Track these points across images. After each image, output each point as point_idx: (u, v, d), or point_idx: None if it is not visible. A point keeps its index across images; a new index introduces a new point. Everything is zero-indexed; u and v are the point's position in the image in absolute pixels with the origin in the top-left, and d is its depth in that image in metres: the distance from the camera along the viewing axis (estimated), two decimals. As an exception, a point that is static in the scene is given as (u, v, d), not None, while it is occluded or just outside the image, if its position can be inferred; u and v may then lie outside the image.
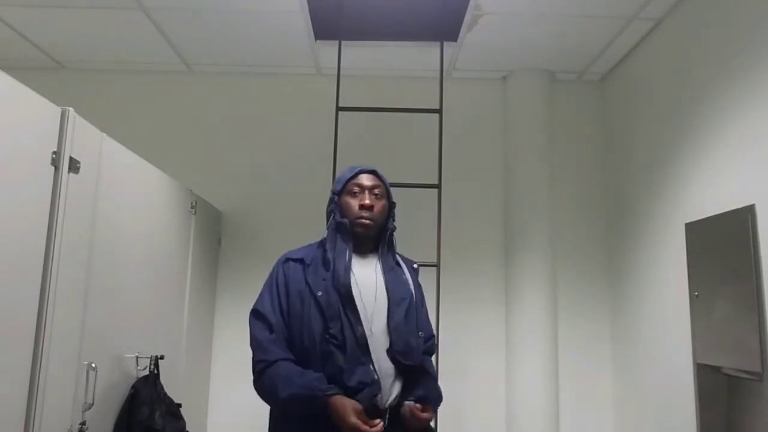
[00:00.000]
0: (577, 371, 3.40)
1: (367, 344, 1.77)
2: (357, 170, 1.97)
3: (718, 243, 2.31)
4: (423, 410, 1.78)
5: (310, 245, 2.00)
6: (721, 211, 2.29)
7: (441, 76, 3.30)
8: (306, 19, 3.02)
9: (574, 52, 3.30)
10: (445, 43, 3.25)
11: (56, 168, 1.79)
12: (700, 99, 2.52)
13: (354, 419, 1.66)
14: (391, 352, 1.79)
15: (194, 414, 3.01)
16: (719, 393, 2.33)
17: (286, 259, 1.93)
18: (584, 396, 3.38)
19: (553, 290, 3.36)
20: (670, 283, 2.69)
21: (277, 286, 1.88)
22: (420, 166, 3.35)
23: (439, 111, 3.23)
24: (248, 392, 3.47)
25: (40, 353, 1.70)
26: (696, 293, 2.44)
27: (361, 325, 1.78)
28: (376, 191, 1.94)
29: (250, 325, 1.89)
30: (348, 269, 1.84)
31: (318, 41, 3.28)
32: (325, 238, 1.95)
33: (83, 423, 1.89)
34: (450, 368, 3.20)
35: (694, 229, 2.49)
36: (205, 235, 3.24)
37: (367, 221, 1.90)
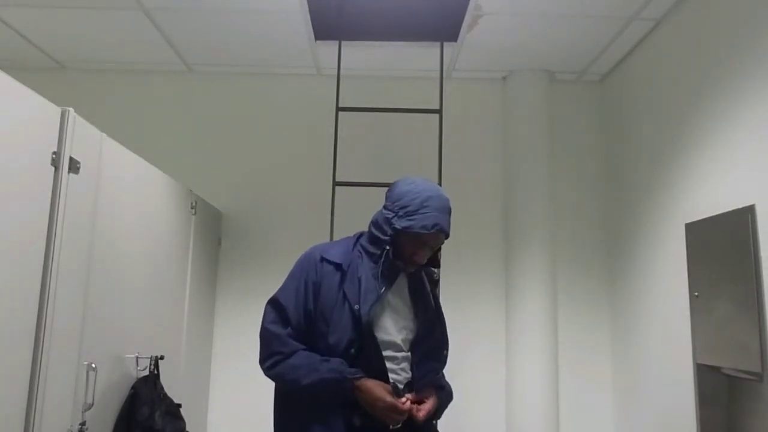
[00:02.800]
0: (577, 371, 3.40)
1: (386, 369, 1.77)
2: (436, 227, 1.77)
3: (718, 243, 2.31)
4: (421, 405, 1.76)
5: (344, 244, 1.91)
6: (721, 211, 2.29)
7: (441, 76, 3.30)
8: (306, 19, 3.02)
9: (574, 52, 3.30)
10: (445, 43, 3.25)
11: (56, 168, 1.79)
12: (699, 99, 2.52)
13: (390, 398, 1.68)
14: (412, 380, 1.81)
15: (194, 414, 3.01)
16: (719, 393, 2.33)
17: (322, 259, 1.84)
18: (584, 395, 3.38)
19: (553, 290, 3.36)
20: (670, 283, 2.69)
21: (305, 284, 1.82)
22: (420, 166, 3.35)
23: (439, 111, 3.24)
24: (248, 392, 3.49)
25: (40, 353, 1.70)
26: (696, 293, 2.44)
27: (381, 356, 1.77)
28: (437, 247, 1.87)
29: (266, 314, 1.83)
30: (374, 307, 1.78)
31: (318, 41, 3.28)
32: (361, 241, 1.88)
33: (83, 423, 1.89)
34: (450, 366, 3.18)
35: (694, 229, 2.49)
36: (205, 235, 3.24)
37: (412, 269, 1.87)
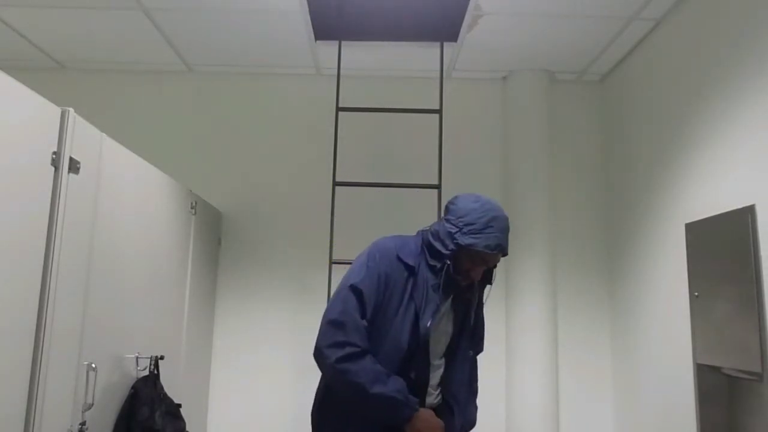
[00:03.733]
0: (577, 371, 3.40)
1: (429, 378, 1.88)
2: (499, 248, 1.81)
3: (718, 243, 2.31)
4: None
5: (413, 245, 1.92)
6: (721, 211, 2.29)
7: (441, 76, 3.30)
8: (306, 19, 3.02)
9: (574, 52, 3.30)
10: (445, 43, 3.25)
11: (56, 168, 1.79)
12: (700, 99, 2.52)
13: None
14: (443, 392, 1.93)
15: (194, 414, 3.01)
16: (719, 393, 2.33)
17: (398, 257, 1.86)
18: (584, 395, 3.38)
19: (553, 290, 3.36)
20: (670, 283, 2.69)
21: (379, 276, 1.82)
22: (420, 166, 3.36)
23: (439, 111, 3.24)
24: (248, 392, 3.48)
25: (40, 353, 1.70)
26: (696, 293, 2.44)
27: (429, 364, 1.88)
28: (493, 265, 1.91)
29: (344, 297, 1.80)
30: (434, 318, 1.85)
31: (318, 41, 3.28)
32: (426, 250, 1.89)
33: (83, 423, 1.89)
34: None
35: (694, 229, 2.49)
36: (205, 235, 3.24)
37: (466, 284, 1.90)
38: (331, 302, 1.84)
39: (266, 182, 3.63)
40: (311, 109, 3.64)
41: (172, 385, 2.49)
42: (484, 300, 2.03)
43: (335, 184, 3.19)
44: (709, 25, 2.49)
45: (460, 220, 1.81)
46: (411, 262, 1.85)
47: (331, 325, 1.78)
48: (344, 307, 1.78)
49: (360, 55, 3.42)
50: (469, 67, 3.54)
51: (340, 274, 3.21)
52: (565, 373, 3.35)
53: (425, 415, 1.79)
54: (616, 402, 3.33)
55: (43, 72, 3.64)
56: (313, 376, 3.60)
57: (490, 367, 3.52)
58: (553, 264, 3.38)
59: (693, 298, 2.46)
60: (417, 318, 1.82)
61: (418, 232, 1.98)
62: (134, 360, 2.29)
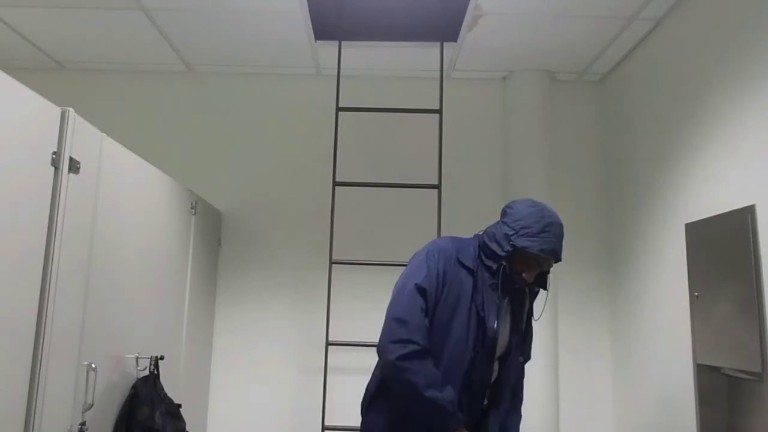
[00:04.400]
0: (577, 371, 3.40)
1: (491, 378, 1.96)
2: (554, 253, 1.89)
3: (718, 243, 2.31)
4: None
5: (470, 247, 1.96)
6: (721, 211, 2.29)
7: (441, 76, 3.30)
8: (306, 19, 3.02)
9: (574, 52, 3.30)
10: (445, 43, 3.25)
11: (56, 168, 1.79)
12: (699, 99, 2.52)
13: None
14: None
15: (194, 414, 3.01)
16: (719, 393, 2.33)
17: (458, 260, 1.90)
18: (584, 396, 3.38)
19: (553, 290, 3.36)
20: (670, 283, 2.69)
21: (437, 275, 1.86)
22: (420, 166, 3.36)
23: (439, 111, 3.24)
24: (248, 392, 3.48)
25: (40, 353, 1.70)
26: (696, 293, 2.44)
27: (493, 366, 1.95)
28: (546, 268, 1.96)
29: (409, 295, 1.84)
30: (497, 324, 1.90)
31: (318, 41, 3.28)
32: (482, 251, 1.93)
33: (83, 423, 1.89)
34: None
35: (694, 229, 2.49)
36: (205, 235, 3.24)
37: (519, 286, 1.94)
38: (395, 299, 1.88)
39: (266, 182, 3.63)
40: (311, 109, 3.64)
41: (172, 385, 2.49)
42: (541, 309, 2.10)
43: (335, 184, 3.19)
44: (709, 25, 2.49)
45: (516, 223, 1.87)
46: (470, 265, 1.90)
47: (396, 322, 1.82)
48: (409, 305, 1.83)
49: (360, 55, 3.42)
50: (469, 67, 3.54)
51: (340, 274, 3.24)
52: (565, 373, 3.35)
53: None
54: (616, 402, 3.33)
55: (43, 72, 3.64)
56: (313, 376, 3.61)
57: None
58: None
59: (693, 298, 2.46)
60: (479, 319, 1.86)
61: (474, 236, 2.02)
62: (134, 360, 2.29)
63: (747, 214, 2.11)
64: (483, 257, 1.91)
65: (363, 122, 3.42)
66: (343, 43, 3.25)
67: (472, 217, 3.56)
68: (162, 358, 2.37)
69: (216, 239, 3.49)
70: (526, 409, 3.25)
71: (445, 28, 3.12)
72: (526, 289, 2.01)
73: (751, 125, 2.17)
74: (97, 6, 2.92)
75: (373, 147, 3.57)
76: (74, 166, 1.85)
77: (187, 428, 2.47)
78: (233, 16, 3.00)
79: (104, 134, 2.06)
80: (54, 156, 1.77)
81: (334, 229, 3.13)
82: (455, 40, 3.21)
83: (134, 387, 2.23)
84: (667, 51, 2.86)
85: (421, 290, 1.84)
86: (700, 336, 2.41)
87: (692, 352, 2.45)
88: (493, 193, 3.60)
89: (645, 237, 3.00)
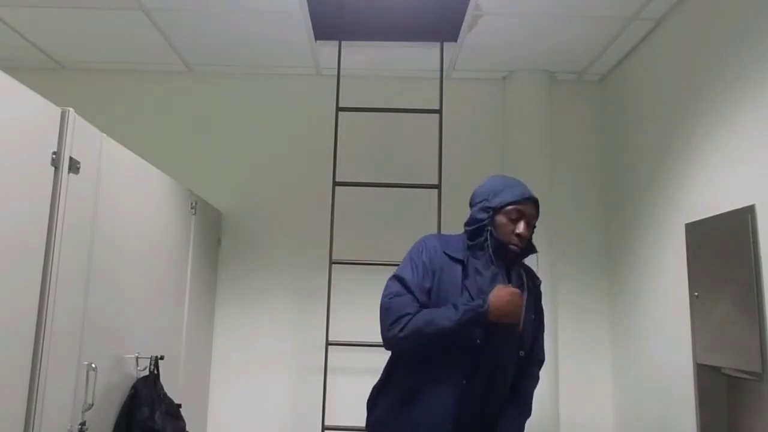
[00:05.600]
0: (577, 371, 3.40)
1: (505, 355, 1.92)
2: (523, 196, 1.93)
3: (718, 243, 2.30)
4: None
5: (459, 240, 1.99)
6: (721, 211, 2.28)
7: (441, 76, 3.30)
8: (306, 19, 3.02)
9: (574, 52, 3.30)
10: (445, 43, 3.25)
11: (56, 168, 1.79)
12: (699, 99, 2.52)
13: (518, 295, 1.83)
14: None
15: (194, 414, 3.01)
16: (719, 393, 2.33)
17: (444, 252, 1.93)
18: (584, 396, 3.38)
19: (553, 290, 3.35)
20: (670, 283, 2.69)
21: (423, 264, 1.90)
22: (420, 166, 3.36)
23: (439, 111, 3.24)
24: (248, 392, 3.48)
25: (40, 353, 1.70)
26: (696, 293, 2.44)
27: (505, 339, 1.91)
28: (532, 222, 1.95)
29: (387, 287, 1.90)
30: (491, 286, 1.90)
31: (318, 41, 3.28)
32: (468, 241, 1.96)
33: (83, 423, 1.89)
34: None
35: (694, 229, 2.49)
36: (205, 235, 3.24)
37: (518, 249, 1.92)
38: (382, 296, 1.93)
39: (266, 182, 3.62)
40: (311, 109, 3.64)
41: (172, 385, 2.49)
42: (540, 299, 2.07)
43: (335, 184, 3.19)
44: (709, 25, 2.49)
45: (483, 194, 1.96)
46: (459, 256, 1.92)
47: (381, 312, 1.88)
48: (386, 292, 1.89)
49: (360, 55, 3.42)
50: (469, 67, 3.54)
51: (340, 274, 3.24)
52: (565, 373, 3.35)
53: (497, 294, 1.81)
54: (616, 401, 3.33)
55: (43, 72, 3.64)
56: (313, 376, 3.60)
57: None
58: (552, 264, 3.38)
59: (693, 298, 2.46)
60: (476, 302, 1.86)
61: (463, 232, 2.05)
62: (134, 360, 2.29)
63: (747, 214, 2.11)
64: (470, 244, 1.94)
65: (363, 122, 3.42)
66: (343, 43, 3.25)
67: (472, 217, 3.57)
68: (162, 358, 2.36)
69: (216, 239, 3.49)
70: (526, 409, 3.27)
71: (445, 28, 3.12)
72: (528, 282, 1.99)
73: (751, 125, 2.17)
74: (97, 6, 2.92)
75: (373, 147, 3.56)
76: (74, 166, 1.85)
77: (187, 428, 2.47)
78: (233, 16, 3.00)
79: (104, 134, 2.06)
80: (54, 156, 1.77)
81: (334, 229, 3.13)
82: (455, 40, 3.21)
83: (134, 387, 2.23)
84: (667, 51, 2.86)
85: (399, 278, 1.90)
86: (700, 336, 2.41)
87: (692, 352, 2.45)
88: (493, 193, 3.59)
89: (645, 237, 3.00)
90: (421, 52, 3.37)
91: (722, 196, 2.32)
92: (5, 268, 1.58)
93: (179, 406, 2.44)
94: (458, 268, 1.90)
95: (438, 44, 3.26)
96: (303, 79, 3.72)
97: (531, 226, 1.94)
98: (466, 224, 2.00)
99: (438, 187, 3.15)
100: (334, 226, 3.13)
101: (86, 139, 1.93)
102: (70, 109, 1.83)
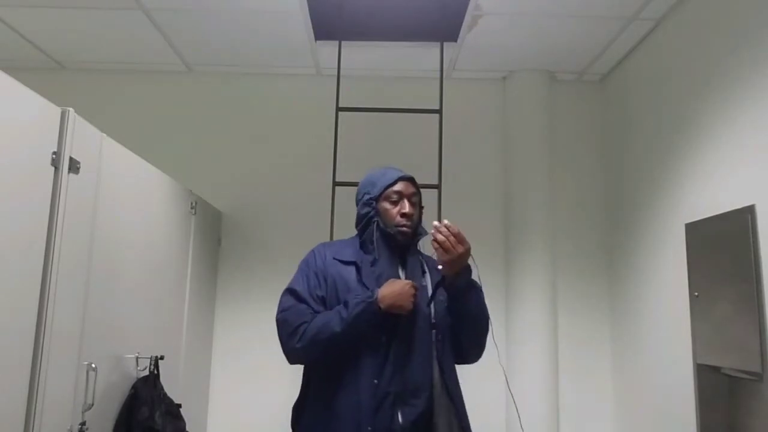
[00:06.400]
0: (578, 371, 3.40)
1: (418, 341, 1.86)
2: (397, 177, 1.96)
3: (718, 243, 2.30)
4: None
5: (351, 244, 2.00)
6: (721, 211, 2.28)
7: (441, 76, 3.30)
8: (306, 19, 3.02)
9: (574, 52, 3.30)
10: (445, 43, 3.24)
11: (56, 168, 1.79)
12: (699, 99, 2.52)
13: (410, 285, 1.80)
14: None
15: (194, 414, 3.01)
16: (719, 393, 2.33)
17: (334, 258, 1.93)
18: (584, 396, 3.38)
19: (553, 290, 3.36)
20: (670, 283, 2.69)
21: (315, 274, 1.90)
22: (420, 166, 3.33)
23: (439, 111, 3.23)
24: (248, 392, 3.48)
25: (40, 353, 1.70)
26: (696, 293, 2.44)
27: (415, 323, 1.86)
28: (414, 199, 1.96)
29: (281, 303, 1.90)
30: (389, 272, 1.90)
31: (318, 41, 3.28)
32: (361, 239, 1.98)
33: (83, 423, 1.89)
34: (450, 368, 3.21)
35: (694, 229, 2.49)
36: (205, 235, 3.24)
37: (408, 230, 1.91)
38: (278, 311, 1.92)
39: (266, 182, 3.62)
40: (311, 109, 3.64)
41: (172, 385, 2.49)
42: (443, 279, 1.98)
43: (335, 184, 3.18)
44: (709, 24, 2.49)
45: (362, 189, 2.00)
46: (351, 259, 1.92)
47: (278, 328, 1.87)
48: (280, 308, 1.89)
49: (360, 55, 3.42)
50: (469, 67, 3.54)
51: (340, 274, 3.24)
52: (565, 373, 3.35)
53: (383, 291, 1.79)
54: (616, 402, 3.33)
55: (43, 72, 3.64)
56: (313, 376, 3.53)
57: (490, 367, 3.52)
58: (553, 264, 3.38)
59: (693, 298, 2.46)
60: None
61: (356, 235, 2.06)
62: (134, 360, 2.29)
63: (747, 214, 2.11)
64: (362, 241, 1.96)
65: (363, 122, 3.41)
66: (343, 43, 3.25)
67: (472, 217, 3.57)
68: (162, 358, 2.36)
69: (216, 239, 3.49)
70: (526, 407, 3.27)
71: (445, 28, 3.12)
72: (426, 264, 1.99)
73: (751, 125, 2.17)
74: (97, 6, 2.92)
75: (373, 147, 3.56)
76: (74, 166, 1.85)
77: (187, 428, 2.47)
78: (233, 16, 3.00)
79: (104, 134, 2.05)
80: (54, 156, 1.77)
81: (334, 229, 3.13)
82: (455, 40, 3.21)
83: (134, 387, 2.23)
84: (667, 51, 2.86)
85: (290, 291, 1.90)
86: (700, 336, 2.41)
87: (692, 352, 2.45)
88: (493, 193, 3.60)
89: (645, 237, 3.00)
90: (421, 52, 3.37)
91: (722, 196, 2.32)
92: (5, 268, 1.58)
93: (179, 406, 2.44)
94: (351, 269, 1.89)
95: (438, 44, 3.26)
96: (303, 79, 3.72)
97: (415, 205, 1.95)
98: (356, 225, 2.01)
99: (438, 187, 3.15)
100: (334, 226, 3.13)
101: (86, 139, 1.93)
102: (70, 109, 1.83)
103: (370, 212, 1.94)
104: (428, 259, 2.04)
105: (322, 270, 1.90)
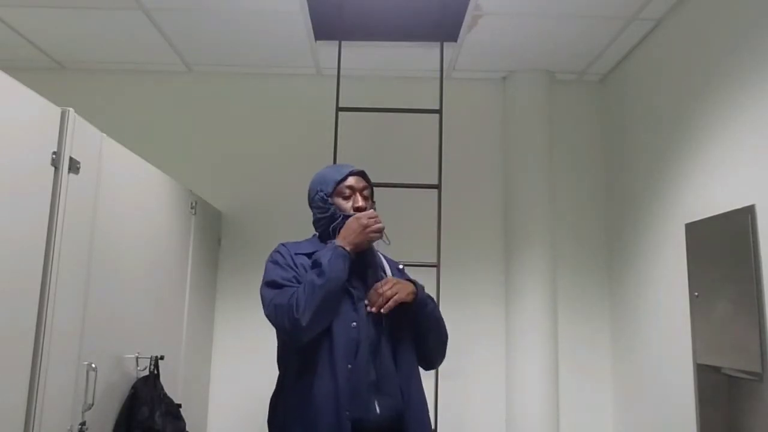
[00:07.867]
0: (577, 371, 3.39)
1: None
2: (346, 172, 2.01)
3: (718, 243, 2.31)
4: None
5: (307, 242, 2.05)
6: (721, 211, 2.28)
7: (441, 77, 3.30)
8: (306, 19, 3.02)
9: (574, 52, 3.30)
10: (445, 43, 3.24)
11: (56, 168, 1.79)
12: (699, 99, 2.52)
13: (365, 217, 1.88)
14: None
15: (194, 414, 3.01)
16: (719, 393, 2.33)
17: (296, 253, 1.95)
18: (584, 396, 3.38)
19: (554, 290, 3.36)
20: (670, 283, 2.69)
21: (287, 265, 1.91)
22: (420, 166, 3.35)
23: (439, 111, 3.24)
24: (248, 392, 3.47)
25: (40, 353, 1.70)
26: (696, 293, 2.44)
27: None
28: (365, 193, 2.02)
29: (263, 297, 1.89)
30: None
31: (318, 41, 3.28)
32: (320, 234, 2.03)
33: (83, 423, 1.90)
34: (449, 368, 3.19)
35: (694, 229, 2.49)
36: (205, 235, 3.24)
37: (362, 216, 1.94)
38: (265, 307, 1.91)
39: (266, 182, 3.62)
40: (311, 109, 3.64)
41: (172, 385, 2.49)
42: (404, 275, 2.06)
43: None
44: (709, 25, 2.49)
45: (315, 188, 2.03)
46: (309, 251, 1.95)
47: (272, 319, 1.85)
48: (266, 302, 1.87)
49: (360, 55, 3.42)
50: (469, 67, 3.54)
51: (340, 274, 3.23)
52: (565, 373, 3.35)
53: (342, 231, 1.88)
54: (616, 402, 3.33)
55: (43, 72, 3.64)
56: (313, 376, 3.52)
57: (490, 366, 3.53)
58: (553, 264, 3.38)
59: (693, 298, 2.46)
60: (348, 289, 1.87)
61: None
62: (134, 360, 2.29)
63: (747, 214, 2.11)
64: (320, 235, 2.02)
65: (363, 122, 3.41)
66: (343, 43, 3.25)
67: (472, 217, 3.57)
68: (162, 358, 2.36)
69: (216, 239, 3.49)
70: (525, 407, 3.27)
71: (445, 28, 3.12)
72: (382, 258, 2.04)
73: (751, 125, 2.17)
74: (97, 6, 2.92)
75: (373, 147, 3.56)
76: (74, 166, 1.85)
77: (187, 428, 2.47)
78: (233, 15, 3.00)
79: (104, 134, 2.06)
80: (54, 156, 1.77)
81: (334, 229, 3.13)
82: (455, 40, 3.21)
83: (134, 387, 2.23)
84: (667, 51, 2.86)
85: (267, 283, 1.89)
86: (700, 336, 2.41)
87: (692, 352, 2.45)
88: (493, 193, 3.60)
89: (645, 237, 3.00)
90: (421, 52, 3.37)
91: (722, 196, 2.32)
92: (5, 268, 1.58)
93: (179, 406, 2.44)
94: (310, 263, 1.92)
95: (438, 44, 3.26)
96: (303, 79, 3.72)
97: (367, 198, 2.01)
98: (314, 224, 2.05)
99: (438, 187, 3.15)
100: (334, 226, 3.13)
101: (86, 139, 1.93)
102: (70, 109, 1.83)
103: (329, 209, 1.97)
104: (391, 262, 2.10)
105: (291, 260, 1.93)
